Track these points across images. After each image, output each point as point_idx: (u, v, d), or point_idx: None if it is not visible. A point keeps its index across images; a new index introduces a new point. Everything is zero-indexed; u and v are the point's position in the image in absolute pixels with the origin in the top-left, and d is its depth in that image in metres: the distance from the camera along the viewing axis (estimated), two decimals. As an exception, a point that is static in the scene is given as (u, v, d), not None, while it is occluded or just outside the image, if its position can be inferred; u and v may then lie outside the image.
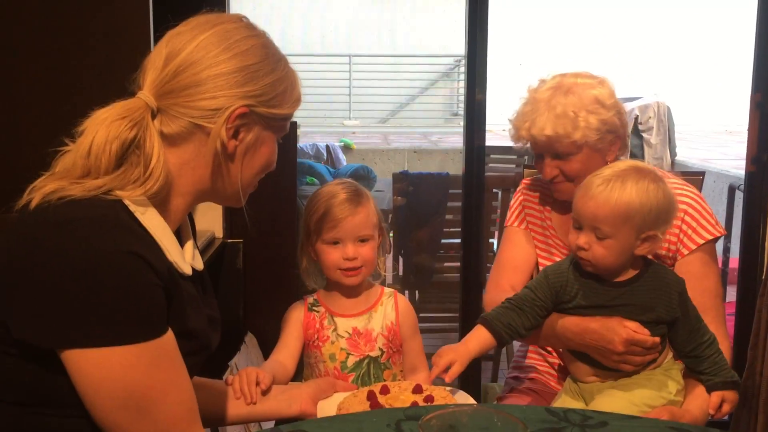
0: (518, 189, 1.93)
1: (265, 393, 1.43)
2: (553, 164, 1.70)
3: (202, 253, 2.39)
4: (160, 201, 1.11)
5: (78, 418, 1.05)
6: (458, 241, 3.17)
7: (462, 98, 12.95)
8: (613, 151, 1.70)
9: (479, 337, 1.50)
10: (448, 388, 1.43)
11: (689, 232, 1.66)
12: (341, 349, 1.62)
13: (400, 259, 3.62)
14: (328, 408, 1.40)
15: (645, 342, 1.43)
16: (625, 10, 13.32)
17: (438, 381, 1.47)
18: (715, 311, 1.64)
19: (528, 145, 1.74)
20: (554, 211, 1.85)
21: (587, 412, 1.18)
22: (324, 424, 1.10)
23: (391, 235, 3.41)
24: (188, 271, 1.15)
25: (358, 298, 1.67)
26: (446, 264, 3.58)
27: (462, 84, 13.02)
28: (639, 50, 13.14)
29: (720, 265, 1.87)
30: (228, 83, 1.09)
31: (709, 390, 1.47)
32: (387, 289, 1.70)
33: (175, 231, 1.17)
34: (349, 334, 1.63)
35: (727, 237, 3.69)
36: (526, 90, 1.75)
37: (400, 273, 3.61)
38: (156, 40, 1.16)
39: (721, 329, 1.64)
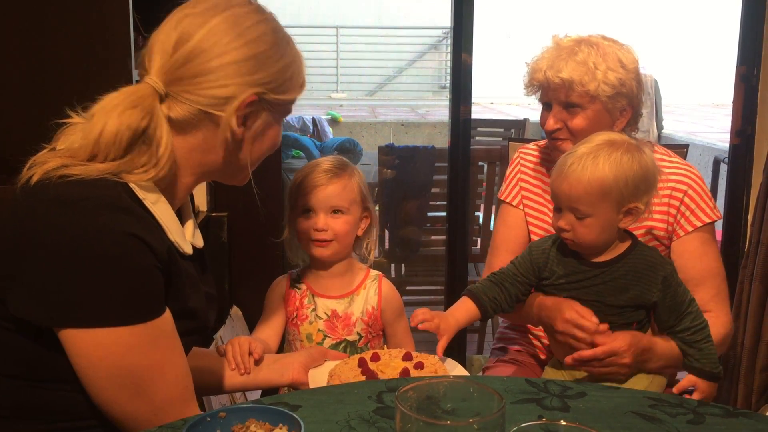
0: (515, 158, 1.88)
1: (257, 363, 1.44)
2: (559, 115, 1.65)
3: (186, 226, 2.39)
4: (166, 184, 1.11)
5: (74, 393, 1.06)
6: (444, 214, 3.17)
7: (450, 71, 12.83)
8: (622, 122, 1.65)
9: (467, 309, 1.50)
10: (438, 356, 1.44)
11: (687, 213, 1.65)
12: (318, 330, 1.61)
13: (387, 233, 3.62)
14: (319, 376, 1.40)
15: (584, 326, 1.41)
16: (613, -18, 13.28)
17: (422, 348, 1.49)
18: (714, 289, 1.63)
19: (538, 93, 1.69)
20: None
21: (567, 383, 1.19)
22: (305, 396, 1.10)
23: (377, 208, 3.40)
24: (189, 250, 1.15)
25: (342, 280, 1.65)
26: (432, 237, 3.59)
27: (449, 57, 12.92)
28: (626, 23, 13.10)
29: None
30: (239, 71, 1.09)
31: (686, 370, 1.46)
32: (372, 272, 1.68)
33: (177, 210, 1.17)
34: (327, 316, 1.62)
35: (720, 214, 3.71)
36: (550, 38, 1.70)
37: (387, 246, 3.61)
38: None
39: (720, 306, 1.64)
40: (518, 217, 1.81)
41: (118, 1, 1.89)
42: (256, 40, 1.11)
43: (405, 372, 1.34)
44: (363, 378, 1.32)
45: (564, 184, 1.40)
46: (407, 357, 1.41)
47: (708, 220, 1.65)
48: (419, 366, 1.37)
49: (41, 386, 1.07)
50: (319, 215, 1.58)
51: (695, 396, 1.43)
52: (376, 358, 1.41)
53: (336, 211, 1.59)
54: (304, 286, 1.65)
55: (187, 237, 1.17)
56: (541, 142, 1.87)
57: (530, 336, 1.86)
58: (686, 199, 1.65)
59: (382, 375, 1.34)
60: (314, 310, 1.62)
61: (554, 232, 1.51)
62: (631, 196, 1.39)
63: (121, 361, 1.02)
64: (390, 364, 1.39)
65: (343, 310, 1.62)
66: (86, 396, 1.05)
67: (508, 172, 1.88)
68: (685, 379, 1.46)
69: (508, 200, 1.84)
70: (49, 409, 1.08)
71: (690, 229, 1.65)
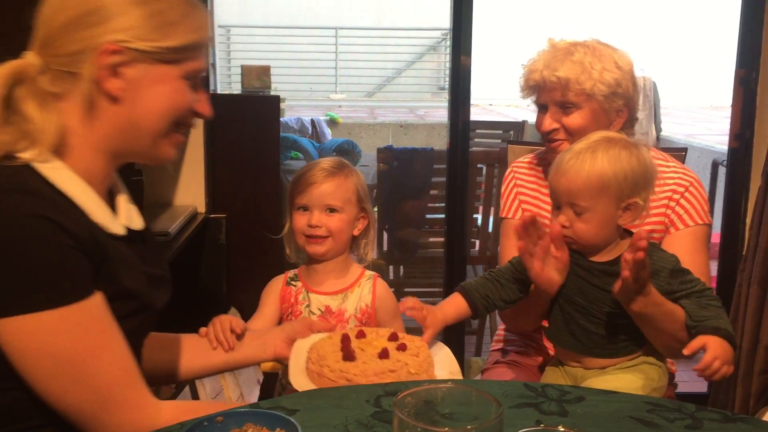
0: (507, 174, 1.87)
1: (239, 339, 1.44)
2: (555, 116, 1.66)
3: (185, 227, 2.39)
4: (80, 167, 1.08)
5: (16, 391, 1.03)
6: (443, 216, 3.17)
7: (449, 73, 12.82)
8: (619, 122, 1.66)
9: (456, 305, 1.49)
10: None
11: (681, 212, 1.65)
12: None
13: (385, 235, 3.62)
14: (301, 350, 1.39)
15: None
16: (612, -15, 13.29)
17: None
18: None
19: (534, 96, 1.70)
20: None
21: (565, 387, 1.19)
22: (303, 400, 1.10)
23: (375, 209, 3.41)
24: (119, 231, 1.12)
25: (337, 277, 1.66)
26: (431, 239, 3.59)
27: (448, 58, 12.94)
28: (625, 26, 13.12)
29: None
30: (98, 18, 1.05)
31: (700, 333, 1.35)
32: (368, 272, 1.70)
33: (108, 193, 1.16)
34: (321, 311, 1.63)
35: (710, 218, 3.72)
36: (546, 41, 1.71)
37: (385, 248, 3.62)
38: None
39: None
40: None
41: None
42: None
43: (384, 353, 1.32)
44: (340, 355, 1.30)
45: (563, 179, 1.40)
46: (393, 337, 1.40)
47: (701, 222, 1.66)
48: (402, 348, 1.35)
49: None
50: (313, 212, 1.61)
51: (707, 356, 1.31)
52: (361, 335, 1.40)
53: (331, 209, 1.62)
54: (299, 284, 1.67)
55: (121, 219, 1.15)
56: (531, 155, 1.88)
57: (529, 338, 1.86)
58: (683, 201, 1.66)
59: (361, 353, 1.32)
60: (308, 305, 1.64)
61: None
62: (630, 191, 1.38)
63: (50, 347, 1.00)
64: (373, 343, 1.38)
65: (336, 306, 1.63)
66: (30, 393, 1.03)
67: (503, 190, 1.86)
68: (697, 339, 1.34)
69: (509, 216, 1.82)
70: None
71: (682, 227, 1.65)
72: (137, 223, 1.20)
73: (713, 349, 1.31)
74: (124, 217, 1.17)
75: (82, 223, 1.04)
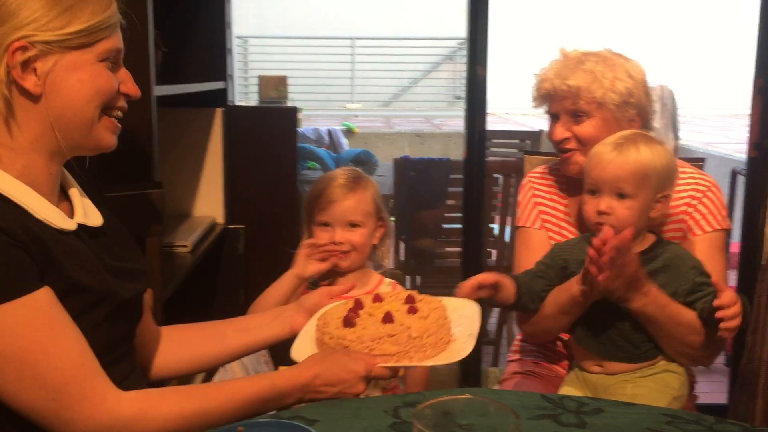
0: (524, 184, 1.87)
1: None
2: (567, 125, 1.67)
3: (204, 238, 2.41)
4: (8, 167, 1.07)
5: None
6: (459, 226, 3.17)
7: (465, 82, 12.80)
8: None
9: (509, 281, 1.54)
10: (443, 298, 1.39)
11: (698, 217, 1.65)
12: None
13: (401, 244, 3.63)
14: (316, 317, 1.37)
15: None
16: (629, -7, 13.25)
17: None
18: None
19: (546, 106, 1.71)
20: (568, 196, 1.79)
21: (583, 398, 1.19)
22: (323, 410, 1.11)
23: (393, 219, 3.41)
24: (68, 226, 1.11)
25: (358, 285, 1.66)
26: (447, 249, 3.59)
27: (465, 67, 12.90)
28: (643, 34, 13.07)
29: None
30: None
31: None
32: (387, 279, 1.72)
33: (59, 191, 1.15)
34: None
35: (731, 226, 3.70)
36: (558, 50, 1.74)
37: (402, 258, 3.62)
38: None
39: None
40: (541, 239, 1.77)
41: (139, 15, 1.93)
42: None
43: (388, 316, 1.26)
44: (342, 327, 1.26)
45: (610, 165, 1.46)
46: (409, 299, 1.35)
47: (718, 227, 1.66)
48: (413, 311, 1.29)
49: None
50: (336, 229, 1.64)
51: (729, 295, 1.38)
52: (377, 299, 1.36)
53: (352, 224, 1.64)
54: None
55: (77, 216, 1.14)
56: (544, 166, 1.88)
57: (546, 348, 1.86)
58: (700, 206, 1.66)
59: (367, 318, 1.27)
60: None
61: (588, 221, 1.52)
62: (665, 182, 1.48)
63: None
64: (384, 307, 1.32)
65: None
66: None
67: (520, 199, 1.86)
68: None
69: (527, 225, 1.81)
70: None
71: (700, 232, 1.65)
72: (95, 219, 1.19)
73: (735, 297, 1.38)
74: (80, 214, 1.16)
75: (19, 222, 1.03)
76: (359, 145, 7.37)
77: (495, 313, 3.54)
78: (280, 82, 3.22)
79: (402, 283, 3.63)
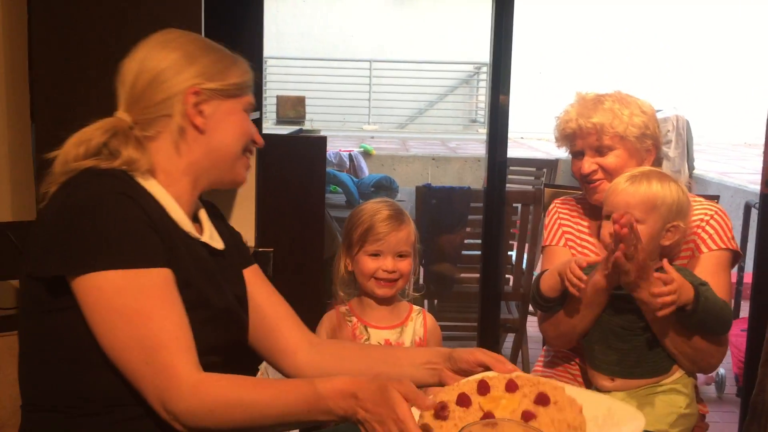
0: (551, 209, 2.02)
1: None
2: (592, 159, 1.82)
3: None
4: (165, 181, 1.28)
5: (110, 373, 1.16)
6: (478, 252, 3.26)
7: (481, 105, 13.00)
8: (649, 160, 1.84)
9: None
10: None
11: (705, 237, 1.78)
12: None
13: (421, 269, 3.72)
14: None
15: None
16: (644, 24, 13.33)
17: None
18: None
19: (569, 145, 1.86)
20: (591, 219, 1.93)
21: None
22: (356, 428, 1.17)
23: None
24: (195, 233, 1.30)
25: (391, 312, 1.78)
26: (466, 275, 3.67)
27: (482, 91, 13.08)
28: (659, 63, 13.14)
29: (734, 280, 1.97)
30: (175, 71, 1.27)
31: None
32: (416, 307, 1.83)
33: (192, 216, 1.34)
34: (381, 344, 1.73)
35: (742, 253, 3.76)
36: (574, 95, 1.90)
37: (422, 282, 3.71)
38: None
39: None
40: (564, 255, 1.90)
41: (191, 16, 2.11)
42: (183, 44, 1.30)
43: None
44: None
45: (622, 194, 1.66)
46: (512, 386, 1.17)
47: (724, 246, 1.78)
48: (545, 402, 1.11)
49: (81, 371, 1.19)
50: (387, 258, 1.74)
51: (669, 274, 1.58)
52: (484, 389, 1.16)
53: (401, 255, 1.75)
54: (354, 319, 1.78)
55: (204, 237, 1.33)
56: (569, 197, 2.03)
57: (568, 374, 1.93)
58: (707, 227, 1.79)
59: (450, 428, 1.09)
60: (368, 339, 1.75)
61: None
62: (675, 214, 1.65)
63: (114, 303, 1.14)
64: (500, 401, 1.14)
65: (395, 339, 1.75)
66: (118, 375, 1.15)
67: (547, 222, 2.01)
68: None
69: (553, 243, 1.95)
70: (95, 396, 1.18)
71: (706, 250, 1.78)
72: (218, 243, 1.37)
73: (678, 278, 1.58)
74: (207, 236, 1.35)
75: (156, 209, 1.23)
76: (376, 167, 7.46)
77: (509, 338, 3.61)
78: (299, 102, 3.27)
79: (421, 306, 3.70)
